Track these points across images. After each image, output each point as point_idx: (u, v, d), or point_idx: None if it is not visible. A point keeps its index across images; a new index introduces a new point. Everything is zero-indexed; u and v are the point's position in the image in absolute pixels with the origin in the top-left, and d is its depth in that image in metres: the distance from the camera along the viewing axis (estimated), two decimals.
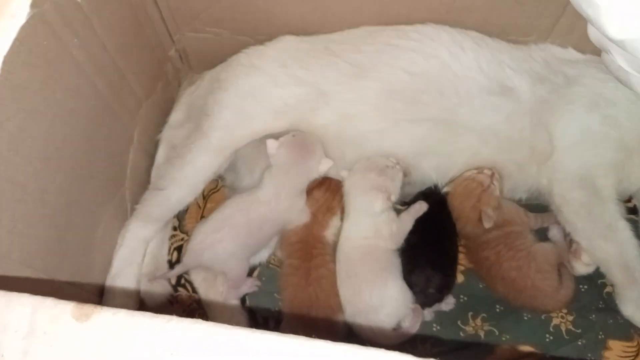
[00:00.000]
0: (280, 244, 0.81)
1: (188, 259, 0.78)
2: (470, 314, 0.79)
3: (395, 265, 0.75)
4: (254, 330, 0.32)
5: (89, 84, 0.71)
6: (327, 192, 0.81)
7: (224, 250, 0.76)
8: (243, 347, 0.32)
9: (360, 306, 0.73)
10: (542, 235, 0.82)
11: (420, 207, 0.79)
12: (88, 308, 0.33)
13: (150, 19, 0.85)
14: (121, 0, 0.76)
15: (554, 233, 0.82)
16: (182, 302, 0.82)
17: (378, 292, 0.72)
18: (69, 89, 0.67)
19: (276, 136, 0.80)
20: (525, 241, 0.78)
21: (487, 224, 0.77)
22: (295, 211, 0.80)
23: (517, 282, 0.76)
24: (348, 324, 0.74)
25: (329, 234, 0.80)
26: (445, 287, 0.77)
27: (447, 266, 0.78)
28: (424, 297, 0.75)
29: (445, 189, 0.83)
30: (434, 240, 0.79)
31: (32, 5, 0.45)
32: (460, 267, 0.83)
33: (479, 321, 0.79)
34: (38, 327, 0.33)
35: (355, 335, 0.74)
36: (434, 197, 0.82)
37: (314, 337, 0.70)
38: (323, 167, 0.79)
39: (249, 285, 0.81)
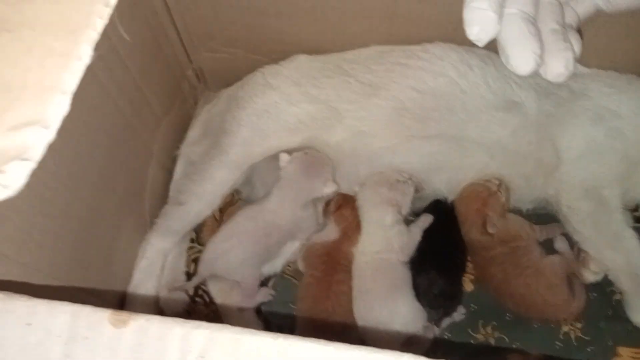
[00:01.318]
0: (304, 255, 0.83)
1: (202, 269, 0.81)
2: (480, 322, 0.81)
3: (406, 282, 0.77)
4: (278, 334, 0.35)
5: (111, 103, 0.74)
6: (355, 210, 0.83)
7: (234, 258, 0.79)
8: (269, 351, 0.34)
9: (370, 322, 0.75)
10: (548, 246, 0.83)
11: (426, 219, 0.82)
12: (125, 315, 0.36)
13: (169, 40, 0.89)
14: (142, 22, 0.80)
15: (560, 245, 0.83)
16: (199, 312, 0.84)
17: (388, 310, 0.74)
18: (93, 109, 0.70)
19: (292, 151, 0.83)
20: (531, 257, 0.79)
21: (491, 230, 0.78)
22: (302, 223, 0.83)
23: (527, 298, 0.77)
24: (360, 338, 0.75)
25: (356, 250, 0.82)
26: (450, 295, 0.78)
27: (453, 273, 0.80)
28: (428, 298, 0.77)
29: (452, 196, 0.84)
30: (442, 246, 0.81)
31: (95, 49, 0.51)
32: (470, 277, 0.85)
33: (489, 329, 0.80)
34: (78, 332, 0.36)
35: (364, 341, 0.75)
36: (445, 207, 0.84)
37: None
38: (327, 189, 0.81)
39: (264, 295, 0.83)
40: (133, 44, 0.77)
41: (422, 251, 0.79)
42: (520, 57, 0.68)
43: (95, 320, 0.36)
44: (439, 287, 0.77)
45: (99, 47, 0.67)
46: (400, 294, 0.75)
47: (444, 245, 0.81)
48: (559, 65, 0.68)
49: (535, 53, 0.67)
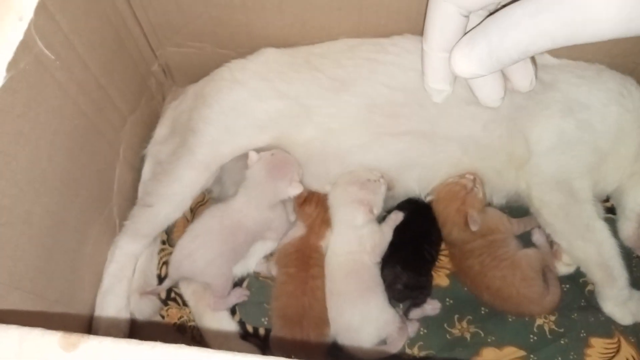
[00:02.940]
0: (276, 257, 0.82)
1: (171, 271, 0.79)
2: (456, 316, 0.81)
3: (378, 284, 0.76)
4: (235, 353, 0.33)
5: (72, 104, 0.72)
6: (317, 207, 0.82)
7: (201, 258, 0.77)
8: None
9: (342, 324, 0.74)
10: (526, 239, 0.83)
11: (397, 217, 0.81)
12: (75, 337, 0.34)
13: (132, 35, 0.86)
14: (102, 18, 0.77)
15: (537, 237, 0.83)
16: (172, 316, 0.82)
17: (359, 313, 0.73)
18: (51, 111, 0.67)
19: (262, 150, 0.82)
20: (508, 249, 0.79)
21: (474, 227, 0.78)
22: (269, 223, 0.81)
23: (502, 291, 0.77)
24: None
25: (325, 244, 0.81)
26: (418, 286, 0.78)
27: (420, 266, 0.80)
28: (392, 292, 0.77)
29: (429, 198, 0.84)
30: (408, 241, 0.80)
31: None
32: (446, 271, 0.84)
33: (464, 323, 0.80)
34: (26, 357, 0.34)
35: (340, 348, 0.75)
36: (415, 203, 0.84)
37: (302, 348, 0.71)
38: (292, 191, 0.80)
39: (238, 296, 0.81)
40: (93, 41, 0.75)
41: (390, 245, 0.79)
42: (488, 99, 0.72)
43: (44, 344, 0.34)
44: (403, 281, 0.77)
45: (53, 45, 0.66)
46: (373, 297, 0.75)
47: (412, 239, 0.81)
48: (524, 83, 0.71)
49: (500, 95, 0.72)
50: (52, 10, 0.65)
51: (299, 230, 0.82)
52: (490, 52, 0.57)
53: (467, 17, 0.63)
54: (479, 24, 0.60)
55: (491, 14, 0.63)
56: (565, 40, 0.52)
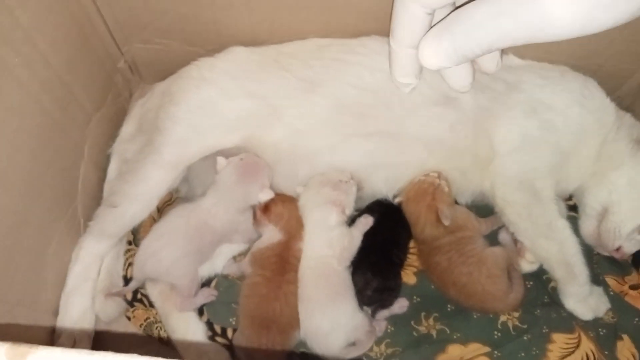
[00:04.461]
0: (252, 260, 0.81)
1: (135, 271, 0.78)
2: (423, 314, 0.81)
3: (348, 289, 0.76)
4: None
5: (33, 102, 0.70)
6: (285, 205, 0.81)
7: (166, 258, 0.76)
8: None
9: (311, 329, 0.74)
10: (490, 239, 0.84)
11: (367, 222, 0.81)
12: (23, 348, 0.33)
13: (97, 32, 0.85)
14: (64, 14, 0.76)
15: (503, 236, 0.85)
16: (139, 317, 0.81)
17: (329, 319, 0.73)
18: (12, 109, 0.66)
19: (230, 151, 0.81)
20: (475, 246, 0.80)
21: (446, 221, 0.79)
22: (237, 226, 0.81)
23: (468, 287, 0.78)
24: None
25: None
26: (387, 289, 0.79)
27: (389, 271, 0.80)
28: (362, 297, 0.77)
29: (397, 199, 0.84)
30: (378, 246, 0.80)
31: None
32: (413, 269, 0.85)
33: (431, 321, 0.81)
34: None
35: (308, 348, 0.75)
36: (384, 205, 0.84)
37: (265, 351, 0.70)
38: (263, 196, 0.80)
39: (205, 296, 0.81)
40: (55, 38, 0.73)
41: (360, 250, 0.79)
42: (457, 85, 0.73)
43: None
44: (372, 288, 0.77)
45: (12, 41, 0.64)
46: (342, 303, 0.75)
47: (381, 243, 0.81)
48: (489, 65, 0.71)
49: (468, 81, 0.72)
50: (10, 4, 0.64)
51: (275, 236, 0.80)
52: (455, 49, 0.59)
53: (431, 14, 0.64)
54: (444, 17, 0.61)
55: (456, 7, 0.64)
56: (526, 41, 0.54)
